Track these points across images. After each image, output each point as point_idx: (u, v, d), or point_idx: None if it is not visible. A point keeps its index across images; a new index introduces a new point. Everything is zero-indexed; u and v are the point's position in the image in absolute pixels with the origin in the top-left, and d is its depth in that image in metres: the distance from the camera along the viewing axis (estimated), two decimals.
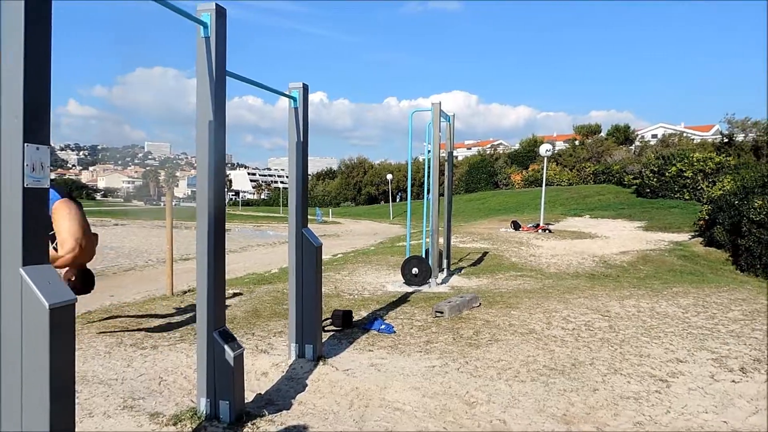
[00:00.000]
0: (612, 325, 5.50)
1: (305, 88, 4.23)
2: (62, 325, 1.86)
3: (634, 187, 31.84)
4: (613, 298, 6.95)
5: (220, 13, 3.01)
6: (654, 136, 60.68)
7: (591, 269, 10.94)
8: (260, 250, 18.15)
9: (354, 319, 5.53)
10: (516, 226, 18.37)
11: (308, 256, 4.20)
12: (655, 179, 28.64)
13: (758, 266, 12.58)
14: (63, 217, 3.98)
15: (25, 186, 1.85)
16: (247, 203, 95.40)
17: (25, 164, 1.85)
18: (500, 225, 20.04)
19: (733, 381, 4.00)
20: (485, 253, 12.22)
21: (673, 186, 27.44)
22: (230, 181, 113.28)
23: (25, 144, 1.85)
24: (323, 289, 7.38)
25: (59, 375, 1.86)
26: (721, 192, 17.36)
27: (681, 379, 4.03)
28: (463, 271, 9.65)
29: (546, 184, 21.17)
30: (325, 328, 5.15)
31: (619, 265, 11.56)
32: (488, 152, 65.28)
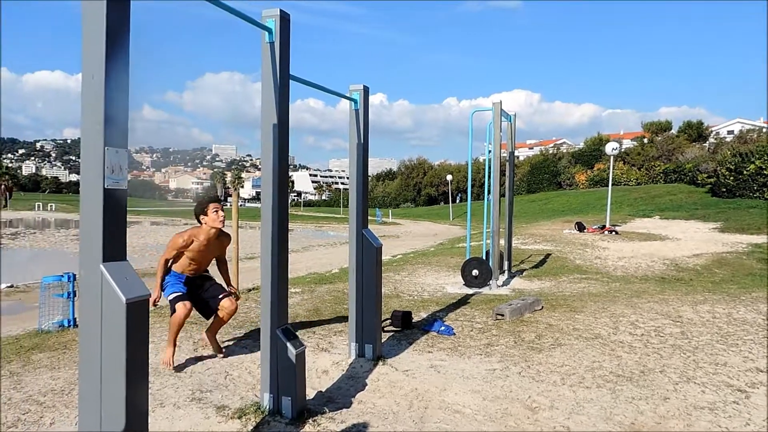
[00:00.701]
0: (684, 332, 5.23)
1: (366, 90, 4.27)
2: (137, 319, 1.97)
3: (709, 186, 30.14)
4: (686, 302, 6.62)
5: (284, 19, 3.08)
6: (730, 132, 57.29)
7: (661, 272, 10.44)
8: (321, 250, 18.47)
9: (413, 320, 5.53)
10: (580, 227, 17.81)
11: (368, 256, 4.23)
12: (731, 178, 27.01)
13: None
14: None
15: (106, 187, 1.97)
16: (309, 204, 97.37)
17: (105, 167, 1.96)
18: (564, 226, 19.48)
19: None
20: (548, 255, 11.92)
21: (752, 185, 25.79)
22: (292, 182, 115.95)
23: (106, 148, 1.96)
24: (383, 290, 7.43)
25: (134, 365, 1.97)
26: None
27: (762, 389, 3.78)
28: (524, 274, 9.45)
29: (612, 184, 20.41)
30: (385, 329, 5.18)
31: (692, 269, 10.97)
32: (551, 152, 63.70)
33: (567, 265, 10.79)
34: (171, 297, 4.13)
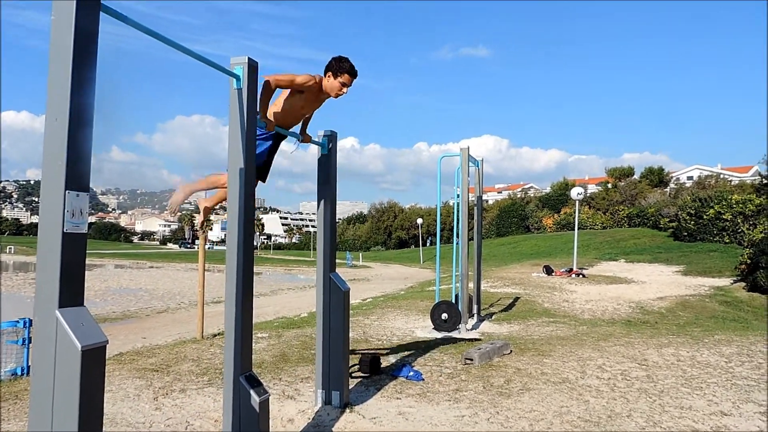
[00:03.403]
0: (650, 375, 5.29)
1: (333, 136, 4.33)
2: (93, 367, 1.90)
3: (671, 230, 31.03)
4: (651, 345, 6.71)
5: (252, 67, 3.14)
6: (690, 178, 59.54)
7: (627, 315, 10.60)
8: (290, 294, 18.23)
9: (382, 365, 5.46)
10: (548, 270, 18.04)
11: (336, 301, 4.20)
12: (692, 222, 27.90)
13: None
14: None
15: (65, 231, 1.93)
16: (279, 247, 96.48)
17: (65, 210, 1.93)
18: (532, 269, 19.71)
19: None
20: (517, 299, 12.00)
21: (712, 229, 26.66)
22: (262, 225, 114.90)
23: (67, 191, 1.94)
24: (351, 335, 7.34)
25: (88, 417, 1.89)
26: (763, 235, 16.78)
27: None
28: (494, 317, 9.47)
29: (579, 228, 20.85)
30: (353, 375, 5.10)
31: (656, 311, 11.18)
32: (519, 196, 64.96)
33: (536, 308, 10.87)
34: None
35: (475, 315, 8.91)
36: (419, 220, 49.71)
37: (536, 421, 3.98)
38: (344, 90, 3.73)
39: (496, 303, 11.35)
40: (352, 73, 3.72)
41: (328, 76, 3.71)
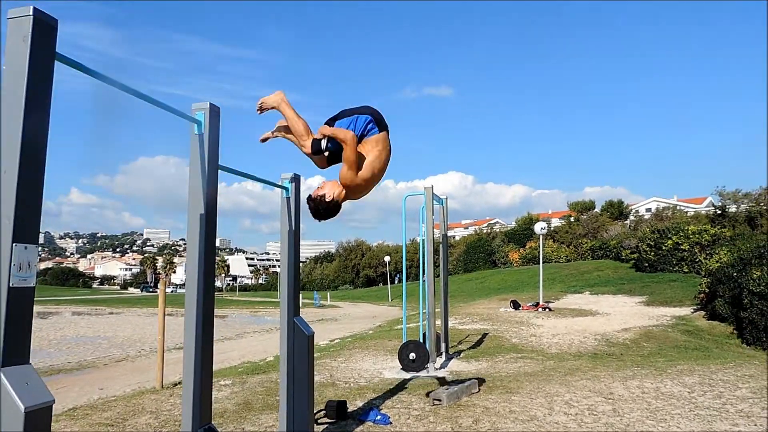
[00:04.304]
0: (616, 409, 5.32)
1: (297, 179, 4.34)
2: (38, 429, 1.81)
3: (632, 261, 31.79)
4: (617, 378, 6.77)
5: (214, 112, 3.15)
6: (648, 210, 61.45)
7: (593, 348, 10.71)
8: (257, 337, 17.82)
9: (349, 410, 5.35)
10: (516, 305, 18.17)
11: (300, 345, 4.13)
12: (652, 253, 28.66)
13: (764, 339, 12.32)
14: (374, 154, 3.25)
15: (11, 285, 1.86)
16: (245, 288, 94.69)
17: (12, 264, 1.87)
18: (500, 304, 19.81)
19: None
20: (485, 335, 12.00)
21: (671, 259, 27.42)
22: (228, 266, 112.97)
23: (14, 244, 1.88)
24: (318, 378, 7.20)
25: None
26: (719, 264, 17.32)
27: None
28: (462, 355, 9.44)
29: (544, 262, 21.18)
30: (318, 420, 4.98)
31: (621, 343, 11.33)
32: (485, 231, 65.79)
33: (503, 344, 10.88)
34: None
35: (444, 353, 8.86)
36: (387, 258, 49.57)
37: None
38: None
39: (464, 340, 11.32)
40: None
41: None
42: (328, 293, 51.19)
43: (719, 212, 33.19)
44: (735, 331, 13.66)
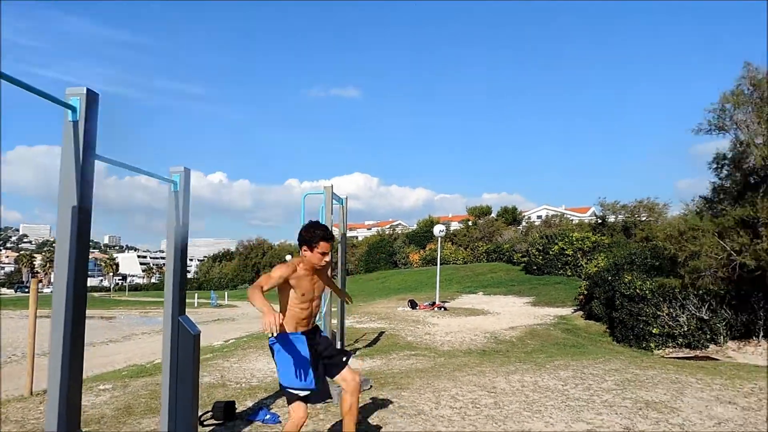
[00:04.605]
0: (497, 402, 5.63)
1: (187, 173, 4.19)
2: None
3: (523, 264, 33.76)
4: (500, 373, 7.16)
5: (92, 98, 2.96)
6: (539, 217, 65.42)
7: (483, 345, 11.25)
8: (145, 338, 16.93)
9: (238, 410, 5.24)
10: (413, 304, 18.64)
11: (185, 345, 3.98)
12: (540, 257, 30.61)
13: (631, 337, 13.60)
14: None
15: None
16: (136, 288, 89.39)
17: None
18: (398, 304, 20.24)
19: None
20: (381, 333, 12.22)
21: (557, 263, 29.45)
22: (117, 264, 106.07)
23: None
24: (208, 379, 6.98)
25: None
26: (596, 269, 18.87)
27: None
28: (357, 353, 9.54)
29: (442, 263, 21.90)
30: (205, 423, 4.83)
31: (508, 341, 12.00)
32: (387, 232, 66.85)
33: (399, 342, 11.14)
34: (291, 388, 3.35)
35: None
36: (288, 257, 48.92)
37: None
38: (326, 258, 3.55)
39: (361, 338, 11.45)
40: (327, 238, 3.52)
41: (304, 250, 3.52)
42: (226, 293, 49.60)
43: (600, 221, 36.05)
44: (608, 330, 14.95)
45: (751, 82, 12.51)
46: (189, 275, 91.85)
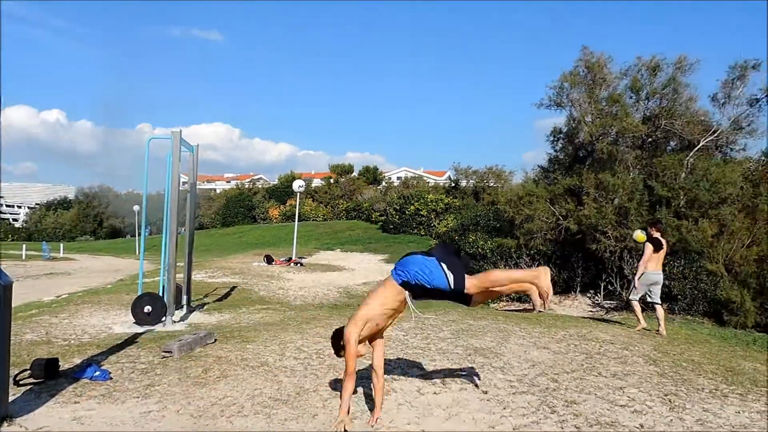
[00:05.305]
0: None
1: None
2: None
3: (380, 223, 34.88)
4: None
5: None
6: (399, 178, 67.61)
7: (335, 300, 11.52)
8: None
9: (63, 368, 4.83)
10: (269, 260, 18.45)
11: None
12: (397, 216, 31.82)
13: None
14: None
15: None
16: None
17: None
18: (254, 259, 19.90)
19: (435, 393, 4.56)
20: (233, 288, 11.96)
21: (412, 222, 30.84)
22: None
23: None
24: (30, 336, 6.36)
25: None
26: (446, 228, 20.12)
27: (393, 396, 4.45)
28: (205, 307, 9.26)
29: (301, 219, 21.84)
30: (20, 382, 4.39)
31: (360, 295, 12.40)
32: (247, 186, 64.90)
33: (251, 296, 11.00)
34: None
35: (185, 306, 8.57)
36: (136, 207, 45.47)
37: (228, 407, 4.02)
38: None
39: (211, 293, 11.12)
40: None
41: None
42: (62, 244, 45.07)
43: (453, 185, 38.22)
44: None
45: (586, 65, 13.88)
46: (17, 224, 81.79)
